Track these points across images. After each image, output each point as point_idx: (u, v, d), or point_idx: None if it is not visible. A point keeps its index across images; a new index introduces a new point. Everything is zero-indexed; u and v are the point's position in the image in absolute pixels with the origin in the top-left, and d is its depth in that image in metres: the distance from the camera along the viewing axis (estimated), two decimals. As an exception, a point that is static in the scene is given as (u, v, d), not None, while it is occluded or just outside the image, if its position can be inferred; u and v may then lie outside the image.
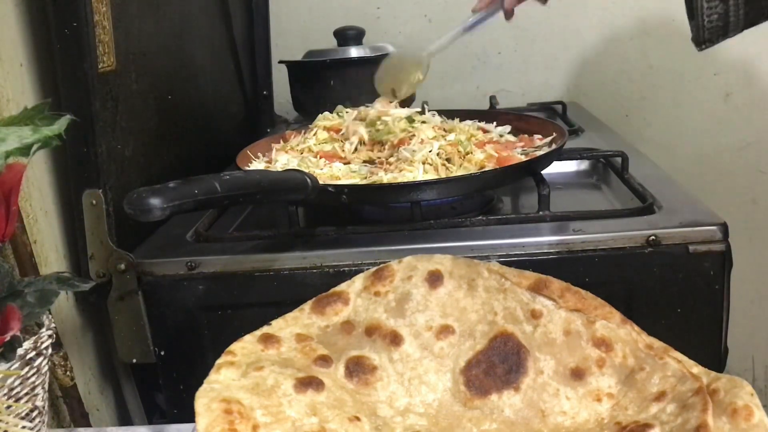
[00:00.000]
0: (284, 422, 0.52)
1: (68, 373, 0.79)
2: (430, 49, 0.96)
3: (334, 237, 0.81)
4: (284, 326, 0.62)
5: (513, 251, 0.76)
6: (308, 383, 0.55)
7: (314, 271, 0.77)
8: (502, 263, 0.66)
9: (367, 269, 0.66)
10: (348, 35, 1.36)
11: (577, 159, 1.04)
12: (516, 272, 0.64)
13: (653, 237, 0.75)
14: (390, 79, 0.96)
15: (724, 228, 0.75)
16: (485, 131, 1.02)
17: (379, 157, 0.92)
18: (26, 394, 0.54)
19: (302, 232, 0.82)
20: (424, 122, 0.97)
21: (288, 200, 0.80)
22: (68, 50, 0.77)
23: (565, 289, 0.62)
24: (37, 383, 0.55)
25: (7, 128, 0.51)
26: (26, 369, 0.53)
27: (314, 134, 1.00)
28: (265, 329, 0.61)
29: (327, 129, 1.01)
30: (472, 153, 0.89)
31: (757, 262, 1.56)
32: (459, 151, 0.88)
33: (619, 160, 0.95)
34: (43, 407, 0.57)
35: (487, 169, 0.86)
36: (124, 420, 0.94)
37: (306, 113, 1.38)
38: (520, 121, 1.07)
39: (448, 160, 0.87)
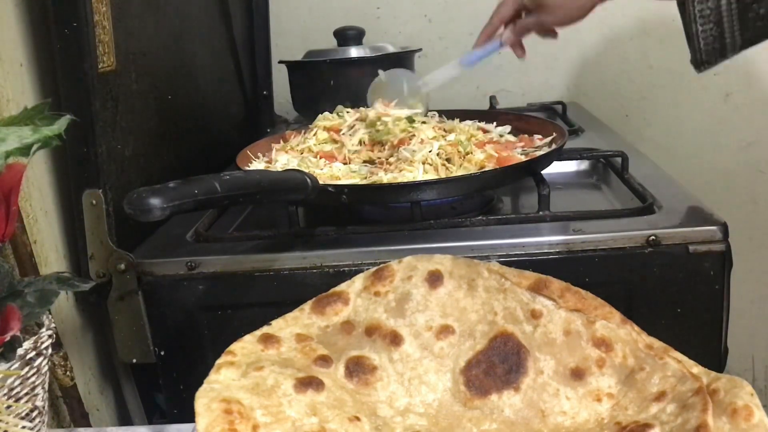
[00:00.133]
0: (284, 422, 0.52)
1: (68, 373, 0.79)
2: (429, 86, 0.98)
3: (334, 237, 0.81)
4: (284, 326, 0.62)
5: (513, 251, 0.76)
6: (308, 383, 0.55)
7: (314, 271, 0.77)
8: (502, 263, 0.66)
9: (367, 269, 0.66)
10: (348, 35, 1.36)
11: (577, 159, 1.04)
12: (516, 272, 0.64)
13: (653, 237, 0.75)
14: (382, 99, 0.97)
15: (724, 228, 0.75)
16: (485, 131, 1.02)
17: (379, 157, 0.92)
18: (26, 394, 0.54)
19: (302, 232, 0.82)
20: (424, 122, 0.97)
21: (288, 200, 0.80)
22: (68, 50, 0.77)
23: (565, 289, 0.62)
24: (37, 383, 0.55)
25: (7, 128, 0.51)
26: (26, 369, 0.53)
27: (314, 134, 1.00)
28: (265, 329, 0.61)
29: (327, 129, 1.01)
30: (472, 153, 0.89)
31: (757, 262, 1.56)
32: (459, 152, 0.88)
33: (619, 160, 0.95)
34: (43, 407, 0.57)
35: (487, 169, 0.86)
36: (124, 420, 0.94)
37: (306, 113, 1.38)
38: (520, 121, 1.07)
39: (448, 160, 0.87)
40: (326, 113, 1.05)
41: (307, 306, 0.64)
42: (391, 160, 0.89)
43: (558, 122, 1.12)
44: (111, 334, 0.82)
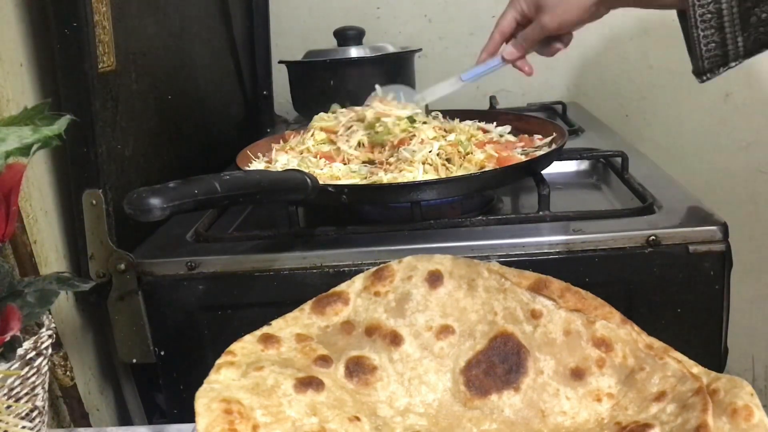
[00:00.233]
0: (284, 422, 0.52)
1: (68, 373, 0.79)
2: (426, 100, 0.97)
3: (334, 237, 0.81)
4: (284, 326, 0.62)
5: (513, 251, 0.76)
6: (308, 383, 0.55)
7: (314, 271, 0.77)
8: (502, 263, 0.66)
9: (367, 269, 0.66)
10: (348, 35, 1.36)
11: (577, 159, 1.04)
12: (516, 272, 0.64)
13: (653, 237, 0.75)
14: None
15: (724, 228, 0.75)
16: (485, 131, 1.02)
17: (379, 158, 0.91)
18: (26, 394, 0.54)
19: (302, 232, 0.82)
20: (424, 122, 0.97)
21: (288, 200, 0.80)
22: (68, 50, 0.77)
23: (565, 289, 0.62)
24: (37, 383, 0.55)
25: (7, 128, 0.51)
26: (26, 369, 0.53)
27: (311, 135, 1.00)
28: (265, 329, 0.61)
29: (324, 130, 1.01)
30: (472, 153, 0.89)
31: (757, 262, 1.56)
32: (459, 152, 0.88)
33: (619, 160, 0.95)
34: (43, 407, 0.57)
35: (487, 169, 0.86)
36: (124, 420, 0.94)
37: (306, 113, 1.38)
38: (520, 121, 1.06)
39: (448, 160, 0.87)
40: (322, 114, 1.05)
41: (307, 306, 0.64)
42: (391, 160, 0.89)
43: (558, 122, 1.12)
44: (111, 334, 0.82)
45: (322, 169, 0.90)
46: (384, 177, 0.85)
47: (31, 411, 0.55)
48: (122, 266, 0.79)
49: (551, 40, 0.89)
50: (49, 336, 0.56)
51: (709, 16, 0.70)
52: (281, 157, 0.96)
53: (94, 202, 0.80)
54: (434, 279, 0.64)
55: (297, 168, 0.84)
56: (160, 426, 0.68)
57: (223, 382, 0.54)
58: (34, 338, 0.54)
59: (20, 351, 0.52)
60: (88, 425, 0.83)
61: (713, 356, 0.77)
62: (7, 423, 0.52)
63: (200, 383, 0.54)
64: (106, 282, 0.81)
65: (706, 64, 0.73)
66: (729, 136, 1.56)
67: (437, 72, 1.25)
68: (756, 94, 1.53)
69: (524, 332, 0.60)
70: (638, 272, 0.76)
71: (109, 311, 0.81)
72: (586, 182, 1.05)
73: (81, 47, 0.77)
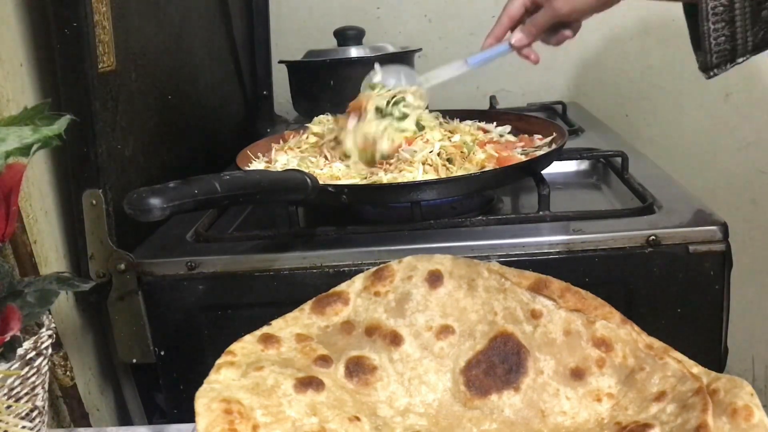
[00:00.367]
0: (284, 422, 0.52)
1: (68, 373, 0.79)
2: (429, 82, 0.94)
3: (334, 237, 0.81)
4: (284, 326, 0.62)
5: (513, 251, 0.76)
6: (308, 383, 0.55)
7: (314, 271, 0.77)
8: (502, 263, 0.66)
9: (367, 269, 0.66)
10: (348, 35, 1.36)
11: (577, 159, 1.04)
12: (516, 272, 0.64)
13: (653, 237, 0.75)
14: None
15: (724, 228, 0.75)
16: (485, 131, 1.02)
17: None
18: (26, 394, 0.54)
19: (302, 232, 0.82)
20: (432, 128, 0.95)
21: (288, 200, 0.80)
22: (68, 50, 0.77)
23: (565, 289, 0.62)
24: (37, 383, 0.55)
25: (7, 128, 0.51)
26: (26, 369, 0.53)
27: (307, 138, 1.01)
28: (265, 329, 0.61)
29: (315, 135, 1.01)
30: (473, 153, 0.89)
31: (757, 262, 1.56)
32: (462, 153, 0.88)
33: (619, 160, 0.95)
34: (43, 407, 0.57)
35: (487, 169, 0.86)
36: (124, 420, 0.94)
37: (306, 113, 1.38)
38: (520, 121, 1.06)
39: (449, 160, 0.87)
40: (320, 117, 1.05)
41: (307, 306, 0.64)
42: (391, 160, 0.89)
43: (558, 122, 1.12)
44: (111, 334, 0.82)
45: (322, 169, 0.90)
46: (384, 177, 0.85)
47: (31, 411, 0.55)
48: (122, 266, 0.80)
49: (560, 28, 0.87)
50: (49, 336, 0.56)
51: (722, 8, 0.69)
52: (281, 157, 0.96)
53: (94, 202, 0.80)
54: (434, 279, 0.64)
55: (297, 168, 0.84)
56: (160, 426, 0.68)
57: (223, 382, 0.54)
58: (34, 338, 0.54)
59: (20, 351, 0.52)
60: (88, 425, 0.83)
61: (713, 356, 0.77)
62: (7, 423, 0.52)
63: (200, 383, 0.54)
64: (106, 282, 0.81)
65: (715, 59, 0.72)
66: (729, 136, 1.56)
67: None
68: (756, 94, 1.53)
69: (524, 332, 0.60)
70: (638, 272, 0.76)
71: (109, 311, 0.81)
72: (586, 182, 1.05)
73: (81, 47, 0.77)
